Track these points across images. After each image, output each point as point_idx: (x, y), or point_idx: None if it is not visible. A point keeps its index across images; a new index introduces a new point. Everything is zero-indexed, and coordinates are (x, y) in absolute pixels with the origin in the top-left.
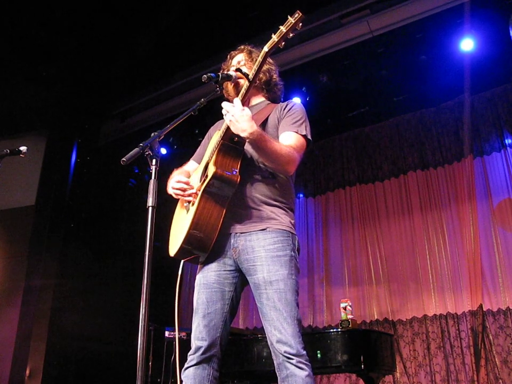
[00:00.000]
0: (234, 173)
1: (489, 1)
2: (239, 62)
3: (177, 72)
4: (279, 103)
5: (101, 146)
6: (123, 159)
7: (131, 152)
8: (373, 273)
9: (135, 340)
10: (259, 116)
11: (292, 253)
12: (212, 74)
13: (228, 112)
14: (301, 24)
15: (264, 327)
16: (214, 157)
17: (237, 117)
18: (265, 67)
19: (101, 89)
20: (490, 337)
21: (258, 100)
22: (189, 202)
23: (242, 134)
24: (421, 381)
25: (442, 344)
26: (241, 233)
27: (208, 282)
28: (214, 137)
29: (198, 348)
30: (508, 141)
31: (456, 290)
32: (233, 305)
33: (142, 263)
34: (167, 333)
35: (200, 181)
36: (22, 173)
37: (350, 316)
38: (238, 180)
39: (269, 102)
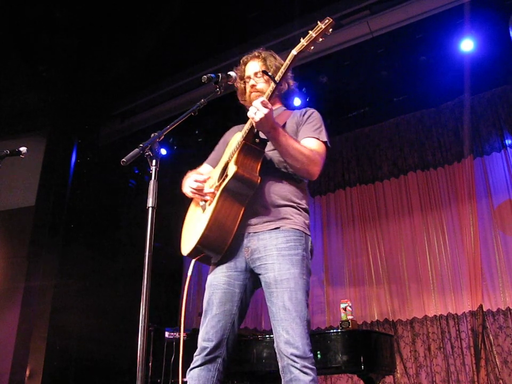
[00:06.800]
0: (254, 173)
1: (489, 2)
2: (256, 74)
3: (177, 73)
4: (291, 105)
5: (101, 146)
6: (123, 159)
7: (131, 153)
8: (373, 273)
9: (135, 340)
10: (277, 121)
11: (304, 252)
12: (212, 75)
13: (257, 109)
14: (331, 30)
15: (272, 327)
16: (235, 156)
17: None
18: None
19: (101, 90)
20: (491, 337)
21: (275, 106)
22: (205, 201)
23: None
24: (421, 381)
25: (443, 344)
26: (254, 232)
27: (218, 283)
28: (233, 140)
29: (204, 349)
30: (508, 141)
31: (456, 291)
32: (242, 308)
33: (142, 264)
34: (167, 334)
35: (219, 181)
36: (22, 174)
37: (350, 317)
38: (259, 181)
39: (285, 108)
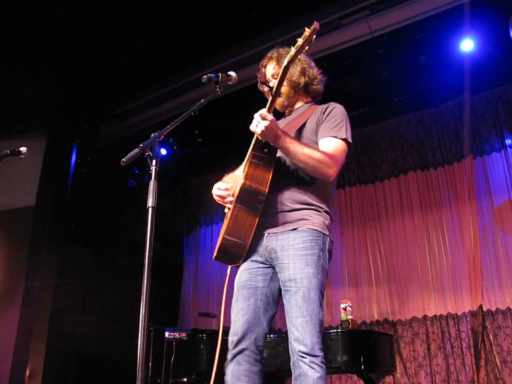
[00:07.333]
0: (263, 183)
1: (489, 2)
2: (273, 76)
3: (177, 73)
4: (320, 97)
5: (101, 146)
6: (123, 159)
7: (131, 153)
8: (373, 273)
9: (135, 340)
10: (297, 121)
11: (320, 252)
12: (212, 75)
13: (258, 122)
14: (314, 36)
15: (287, 324)
16: (246, 168)
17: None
18: (298, 68)
19: (101, 90)
20: (490, 337)
21: (299, 104)
22: (229, 209)
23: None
24: (421, 381)
25: (443, 344)
26: (274, 233)
27: (242, 280)
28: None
29: (231, 342)
30: (507, 141)
31: (456, 291)
32: (268, 302)
33: (142, 264)
34: (167, 334)
35: (238, 190)
36: (22, 174)
37: (350, 317)
38: (266, 190)
39: (311, 103)
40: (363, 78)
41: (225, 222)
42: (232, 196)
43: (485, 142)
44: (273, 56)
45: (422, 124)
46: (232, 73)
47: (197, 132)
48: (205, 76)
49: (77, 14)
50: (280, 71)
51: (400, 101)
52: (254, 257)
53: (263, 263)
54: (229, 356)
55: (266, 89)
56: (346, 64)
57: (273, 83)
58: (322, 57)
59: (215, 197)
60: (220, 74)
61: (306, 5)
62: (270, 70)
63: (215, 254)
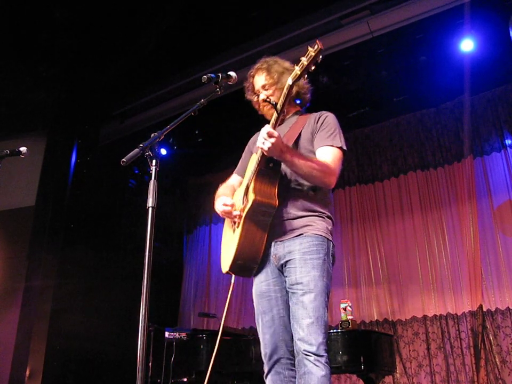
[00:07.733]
0: (272, 197)
1: (489, 2)
2: (263, 86)
3: (177, 73)
4: (307, 106)
5: (101, 146)
6: (123, 159)
7: (131, 153)
8: (372, 273)
9: (135, 340)
10: (292, 132)
11: (325, 257)
12: (212, 75)
13: (265, 139)
14: (320, 57)
15: (291, 325)
16: (252, 184)
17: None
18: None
19: (101, 90)
20: (490, 337)
21: (290, 113)
22: (235, 223)
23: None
24: (421, 381)
25: (442, 344)
26: (281, 241)
27: (260, 292)
28: (253, 158)
29: (265, 355)
30: (508, 141)
31: (456, 291)
32: (289, 308)
33: (142, 264)
34: (167, 334)
35: (243, 203)
36: (22, 174)
37: (350, 317)
38: (277, 203)
39: (300, 112)
40: (363, 78)
41: (234, 237)
42: (236, 209)
43: (485, 142)
44: (262, 66)
45: (422, 124)
46: (232, 73)
47: (197, 132)
48: (205, 76)
49: (77, 14)
50: (285, 90)
51: (400, 101)
52: (266, 268)
53: (275, 273)
54: (266, 368)
55: (273, 87)
56: (346, 64)
57: (266, 94)
58: (322, 57)
59: (219, 213)
60: (220, 74)
61: (306, 5)
62: (260, 80)
63: (227, 268)
